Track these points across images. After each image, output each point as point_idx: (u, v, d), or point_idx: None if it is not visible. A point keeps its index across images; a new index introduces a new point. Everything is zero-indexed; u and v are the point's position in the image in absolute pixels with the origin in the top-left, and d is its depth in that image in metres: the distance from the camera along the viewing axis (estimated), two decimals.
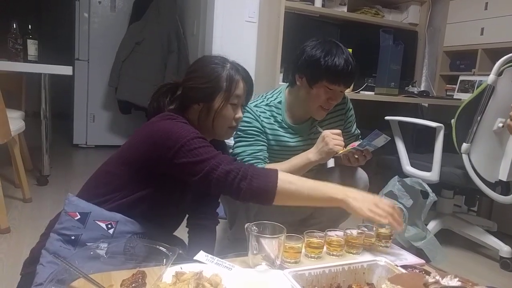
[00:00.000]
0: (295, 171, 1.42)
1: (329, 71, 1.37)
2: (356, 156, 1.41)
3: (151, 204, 1.09)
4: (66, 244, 1.01)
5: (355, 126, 1.67)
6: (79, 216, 1.03)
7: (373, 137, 1.33)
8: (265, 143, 1.49)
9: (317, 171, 1.67)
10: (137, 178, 1.07)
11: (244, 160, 1.43)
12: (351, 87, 2.43)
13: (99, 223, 1.02)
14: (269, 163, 1.48)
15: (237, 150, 1.46)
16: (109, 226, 1.04)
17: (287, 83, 1.58)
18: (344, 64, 1.37)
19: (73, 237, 1.01)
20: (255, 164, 1.41)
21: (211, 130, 1.14)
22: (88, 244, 0.99)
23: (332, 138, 1.37)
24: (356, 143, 1.41)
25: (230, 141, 1.57)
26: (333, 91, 1.41)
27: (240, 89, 1.14)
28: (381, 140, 1.33)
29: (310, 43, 1.46)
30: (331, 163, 1.95)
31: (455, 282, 0.58)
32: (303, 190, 1.00)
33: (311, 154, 1.42)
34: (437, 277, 0.59)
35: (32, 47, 2.55)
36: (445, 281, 0.59)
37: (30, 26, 2.61)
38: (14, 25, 2.55)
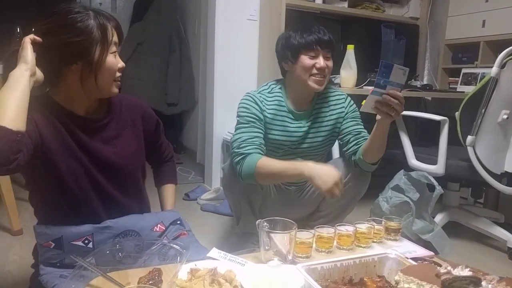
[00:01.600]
0: (284, 177, 1.47)
1: (302, 41, 1.48)
2: (387, 101, 1.25)
3: (67, 201, 1.06)
4: (59, 268, 1.02)
5: (361, 126, 1.61)
6: (53, 244, 1.03)
7: (385, 70, 1.18)
8: (261, 130, 1.52)
9: None
10: (34, 183, 1.07)
11: (241, 146, 1.45)
12: (354, 82, 2.44)
13: (75, 243, 1.01)
14: (266, 149, 1.50)
15: (235, 137, 1.50)
16: (86, 241, 1.03)
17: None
18: (315, 30, 1.48)
19: (58, 264, 1.02)
20: (249, 149, 1.43)
21: (95, 88, 1.03)
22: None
23: (334, 183, 1.29)
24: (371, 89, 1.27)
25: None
26: (315, 56, 1.48)
27: (115, 36, 1.04)
28: (399, 73, 1.19)
29: (282, 34, 1.60)
30: (336, 153, 1.98)
31: (466, 272, 0.59)
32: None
33: (306, 170, 1.35)
34: (449, 268, 0.61)
35: None
36: (456, 271, 0.60)
37: (18, 29, 2.62)
38: (18, 29, 2.56)
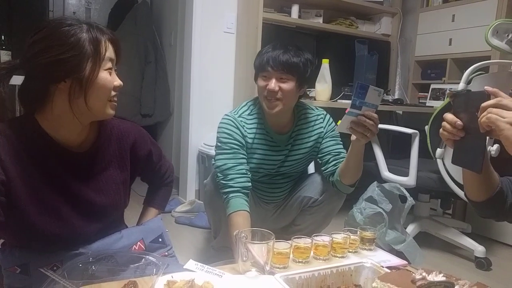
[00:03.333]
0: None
1: (257, 60, 1.48)
2: (362, 122, 1.24)
3: (35, 241, 0.97)
4: None
5: (341, 145, 1.60)
6: (19, 269, 0.97)
7: (360, 91, 1.18)
8: (244, 156, 1.50)
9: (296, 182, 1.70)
10: None
11: (227, 175, 1.44)
12: (328, 95, 2.49)
13: (43, 270, 0.88)
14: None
15: (219, 163, 1.47)
16: (55, 268, 0.95)
17: None
18: (275, 50, 1.43)
19: None
20: (235, 184, 1.42)
21: (85, 109, 0.92)
22: None
23: None
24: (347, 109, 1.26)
25: (211, 151, 1.58)
26: (267, 77, 1.45)
27: (111, 51, 0.94)
28: (374, 94, 1.19)
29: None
30: (311, 169, 1.99)
31: (440, 277, 0.61)
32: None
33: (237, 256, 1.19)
34: (424, 274, 0.63)
35: (5, 58, 2.49)
36: (431, 277, 0.62)
37: (2, 36, 2.55)
38: None
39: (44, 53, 0.87)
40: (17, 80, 0.98)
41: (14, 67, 0.92)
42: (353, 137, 1.33)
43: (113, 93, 0.96)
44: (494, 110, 0.77)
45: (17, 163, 0.90)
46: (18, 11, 4.00)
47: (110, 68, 0.94)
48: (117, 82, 0.96)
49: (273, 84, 1.42)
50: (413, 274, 0.64)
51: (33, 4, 4.02)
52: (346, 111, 1.24)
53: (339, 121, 1.28)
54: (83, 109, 0.92)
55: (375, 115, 1.25)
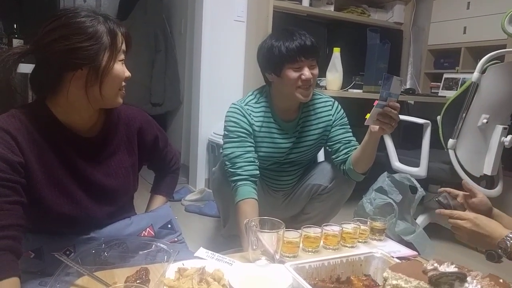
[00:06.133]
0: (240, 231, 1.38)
1: (284, 52, 1.40)
2: (388, 113, 1.26)
3: (48, 223, 1.00)
4: (38, 279, 0.95)
5: (350, 133, 1.61)
6: (33, 254, 0.99)
7: (387, 82, 1.21)
8: (252, 144, 1.50)
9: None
10: None
11: (235, 163, 1.44)
12: (339, 84, 2.47)
13: (57, 255, 0.91)
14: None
15: (226, 151, 1.48)
16: (68, 252, 0.99)
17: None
18: (296, 39, 1.40)
19: (39, 272, 0.98)
20: (243, 172, 1.42)
21: (98, 97, 0.96)
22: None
23: None
24: (376, 102, 1.28)
25: (221, 140, 1.59)
26: (300, 68, 1.42)
27: (123, 44, 0.99)
28: (397, 84, 1.22)
29: (263, 41, 1.51)
30: (321, 157, 1.98)
31: (452, 268, 0.61)
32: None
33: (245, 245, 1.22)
34: (435, 264, 0.62)
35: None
36: (442, 268, 0.62)
37: (15, 25, 2.57)
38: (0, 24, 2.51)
39: (63, 41, 0.89)
40: (25, 68, 1.00)
41: (26, 52, 0.94)
42: (375, 128, 1.32)
43: (123, 83, 1.00)
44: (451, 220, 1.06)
45: (32, 146, 0.92)
46: (28, 1, 4.03)
47: (122, 60, 0.98)
48: (127, 73, 1.00)
49: (307, 72, 1.42)
50: (425, 265, 0.64)
51: None
52: (375, 104, 1.25)
53: (368, 115, 1.28)
54: (97, 96, 0.95)
55: (398, 104, 1.27)
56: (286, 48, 1.40)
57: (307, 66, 1.43)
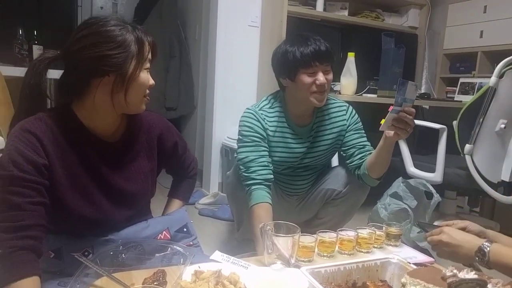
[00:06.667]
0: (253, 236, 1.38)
1: (299, 58, 1.41)
2: (403, 118, 1.26)
3: (67, 224, 1.02)
4: (57, 279, 0.97)
5: (365, 138, 1.60)
6: (53, 254, 1.01)
7: (402, 88, 1.20)
8: (266, 148, 1.51)
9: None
10: None
11: (249, 168, 1.45)
12: (354, 89, 2.46)
13: (77, 256, 0.94)
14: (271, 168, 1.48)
15: (241, 156, 1.49)
16: (86, 253, 1.01)
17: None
18: (311, 45, 1.40)
19: (58, 273, 1.00)
20: (257, 176, 1.43)
21: (123, 103, 0.98)
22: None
23: None
24: (391, 107, 1.27)
25: (234, 144, 1.60)
26: (314, 73, 1.42)
27: (150, 53, 1.02)
28: (412, 89, 1.21)
29: (278, 46, 1.52)
30: (335, 162, 1.97)
31: (472, 275, 0.60)
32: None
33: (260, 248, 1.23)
34: (455, 271, 0.62)
35: (37, 52, 2.57)
36: (461, 275, 0.61)
37: (35, 32, 2.64)
38: (20, 31, 2.58)
39: (93, 48, 0.92)
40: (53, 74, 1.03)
41: (57, 57, 0.98)
42: (390, 133, 1.31)
43: (147, 91, 1.03)
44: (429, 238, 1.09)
45: (56, 149, 0.95)
46: (47, 6, 4.13)
47: (148, 68, 1.01)
48: (152, 81, 1.03)
49: (322, 77, 1.42)
50: (444, 271, 0.64)
51: (62, 1, 4.13)
52: (390, 109, 1.24)
53: (383, 120, 1.27)
54: (122, 102, 0.98)
55: (413, 110, 1.25)
56: (300, 53, 1.41)
57: (321, 71, 1.42)
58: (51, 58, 0.98)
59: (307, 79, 1.42)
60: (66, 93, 1.01)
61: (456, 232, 1.01)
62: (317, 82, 1.42)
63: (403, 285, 0.67)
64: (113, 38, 0.94)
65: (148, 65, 1.00)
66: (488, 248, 0.90)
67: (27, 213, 0.86)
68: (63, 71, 0.99)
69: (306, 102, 1.48)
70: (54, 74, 1.03)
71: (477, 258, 0.92)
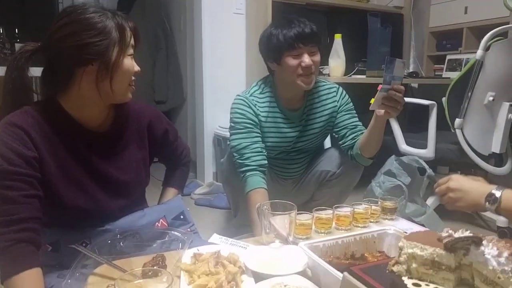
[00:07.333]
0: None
1: (282, 40, 1.40)
2: (393, 96, 1.26)
3: (62, 217, 1.01)
4: (56, 271, 0.96)
5: (356, 118, 1.60)
6: (50, 247, 1.01)
7: (389, 66, 1.20)
8: (259, 134, 1.50)
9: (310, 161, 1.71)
10: None
11: (243, 154, 1.44)
12: (342, 71, 2.46)
13: (75, 246, 0.93)
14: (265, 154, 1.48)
15: (234, 143, 1.48)
16: (84, 244, 1.00)
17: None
18: (294, 27, 1.39)
19: (57, 265, 0.99)
20: (251, 162, 1.42)
21: (109, 91, 0.97)
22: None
23: None
24: (380, 86, 1.27)
25: (226, 133, 1.59)
26: (299, 55, 1.41)
27: (132, 38, 1.00)
28: (399, 66, 1.21)
29: (264, 30, 1.51)
30: (328, 144, 1.98)
31: (467, 234, 0.61)
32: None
33: (257, 232, 1.26)
34: (450, 231, 0.63)
35: None
36: (457, 235, 0.62)
37: (17, 30, 2.59)
38: (1, 29, 2.53)
39: (73, 37, 0.91)
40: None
41: (37, 49, 0.96)
42: (380, 112, 1.32)
43: (132, 78, 1.01)
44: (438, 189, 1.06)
45: (45, 141, 0.94)
46: (27, 4, 4.05)
47: (131, 54, 0.99)
48: (137, 67, 1.01)
49: (307, 59, 1.40)
50: (439, 233, 0.65)
51: None
52: (379, 88, 1.24)
53: (372, 99, 1.27)
54: (108, 91, 0.97)
55: (402, 87, 1.26)
56: (283, 35, 1.40)
57: (306, 52, 1.41)
58: (32, 51, 0.96)
59: (292, 61, 1.41)
60: (50, 85, 0.99)
61: (464, 179, 0.98)
62: (303, 64, 1.40)
63: (401, 248, 0.68)
64: (93, 26, 0.92)
65: (131, 51, 0.99)
66: (499, 193, 0.87)
67: (22, 206, 0.85)
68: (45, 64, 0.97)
69: (294, 86, 1.47)
70: (38, 72, 1.00)
71: (487, 203, 0.89)
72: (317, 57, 1.45)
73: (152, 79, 3.66)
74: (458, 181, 0.97)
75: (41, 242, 0.88)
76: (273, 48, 1.44)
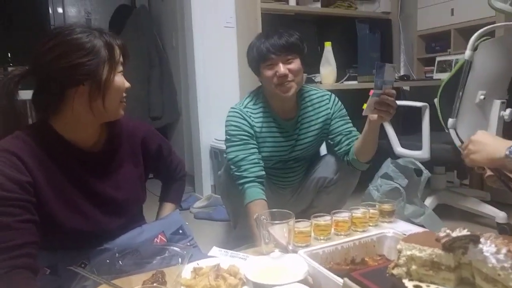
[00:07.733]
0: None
1: (256, 53, 1.45)
2: (385, 101, 1.27)
3: (59, 239, 1.00)
4: None
5: (350, 124, 1.61)
6: (49, 270, 1.00)
7: (380, 70, 1.21)
8: (255, 145, 1.51)
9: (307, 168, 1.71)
10: None
11: (240, 166, 1.45)
12: (334, 78, 2.48)
13: (73, 268, 0.93)
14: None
15: (230, 155, 1.49)
16: (83, 265, 0.99)
17: None
18: (268, 39, 1.42)
19: None
20: (249, 174, 1.42)
21: (102, 110, 0.97)
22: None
23: None
24: (371, 91, 1.28)
25: (223, 146, 1.59)
26: (273, 65, 1.43)
27: (121, 55, 1.00)
28: (390, 71, 1.22)
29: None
30: (324, 151, 1.98)
31: (465, 232, 0.62)
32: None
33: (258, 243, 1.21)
34: (448, 231, 0.63)
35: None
36: (455, 234, 0.63)
37: (9, 54, 2.60)
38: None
39: (63, 58, 0.90)
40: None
41: (26, 73, 0.96)
42: (373, 117, 1.32)
43: (124, 94, 1.01)
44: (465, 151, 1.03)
45: (38, 165, 0.93)
46: (19, 27, 4.08)
47: (121, 71, 0.99)
48: (127, 84, 1.01)
49: (282, 68, 1.42)
50: (437, 233, 0.65)
51: (34, 19, 4.08)
52: (370, 94, 1.25)
53: (365, 105, 1.28)
54: (101, 109, 0.96)
55: (393, 91, 1.27)
56: (257, 48, 1.44)
57: (281, 62, 1.42)
58: (21, 75, 0.95)
59: (268, 72, 1.44)
60: (41, 108, 0.98)
61: (489, 134, 0.98)
62: (277, 73, 1.42)
63: (399, 251, 0.68)
64: (82, 46, 0.92)
65: (121, 68, 0.99)
66: None
67: (18, 232, 0.84)
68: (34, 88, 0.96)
69: (276, 96, 1.49)
70: (28, 95, 0.98)
71: (508, 153, 0.88)
72: (294, 65, 1.44)
73: (147, 96, 3.67)
74: (481, 134, 0.97)
75: (38, 267, 0.87)
76: (251, 61, 1.50)
